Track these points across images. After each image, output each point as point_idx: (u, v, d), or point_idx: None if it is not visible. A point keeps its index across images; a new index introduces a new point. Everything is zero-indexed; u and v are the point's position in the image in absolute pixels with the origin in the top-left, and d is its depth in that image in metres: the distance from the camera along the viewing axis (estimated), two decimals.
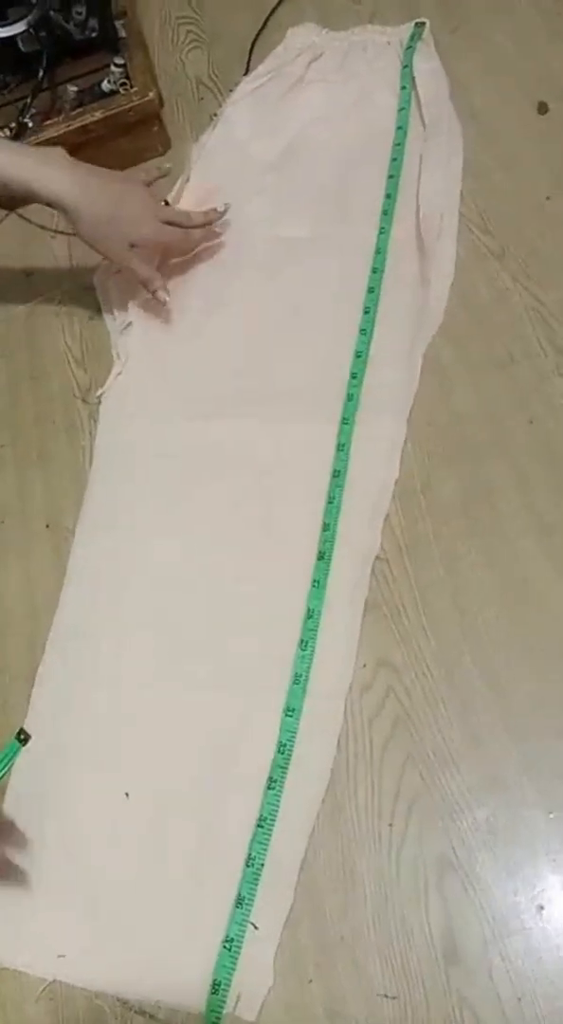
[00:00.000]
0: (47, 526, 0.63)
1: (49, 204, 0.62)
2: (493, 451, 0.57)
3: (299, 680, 0.52)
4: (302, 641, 0.54)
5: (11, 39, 0.75)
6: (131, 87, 0.76)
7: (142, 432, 0.66)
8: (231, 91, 0.81)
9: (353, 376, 0.62)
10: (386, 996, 0.43)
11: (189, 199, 0.75)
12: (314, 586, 0.55)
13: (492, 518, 0.55)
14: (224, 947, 0.46)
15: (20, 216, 0.80)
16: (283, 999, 0.45)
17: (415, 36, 0.77)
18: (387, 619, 0.53)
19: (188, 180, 0.77)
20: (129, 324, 0.71)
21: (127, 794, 0.52)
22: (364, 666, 0.52)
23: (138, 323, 0.71)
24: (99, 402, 0.68)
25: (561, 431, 0.56)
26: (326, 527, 0.57)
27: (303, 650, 0.53)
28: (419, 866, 0.46)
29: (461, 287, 0.64)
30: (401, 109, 0.74)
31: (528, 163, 0.68)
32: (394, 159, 0.72)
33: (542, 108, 0.70)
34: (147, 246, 0.66)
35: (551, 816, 0.45)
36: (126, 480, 0.64)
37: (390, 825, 0.47)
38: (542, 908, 0.44)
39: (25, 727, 0.46)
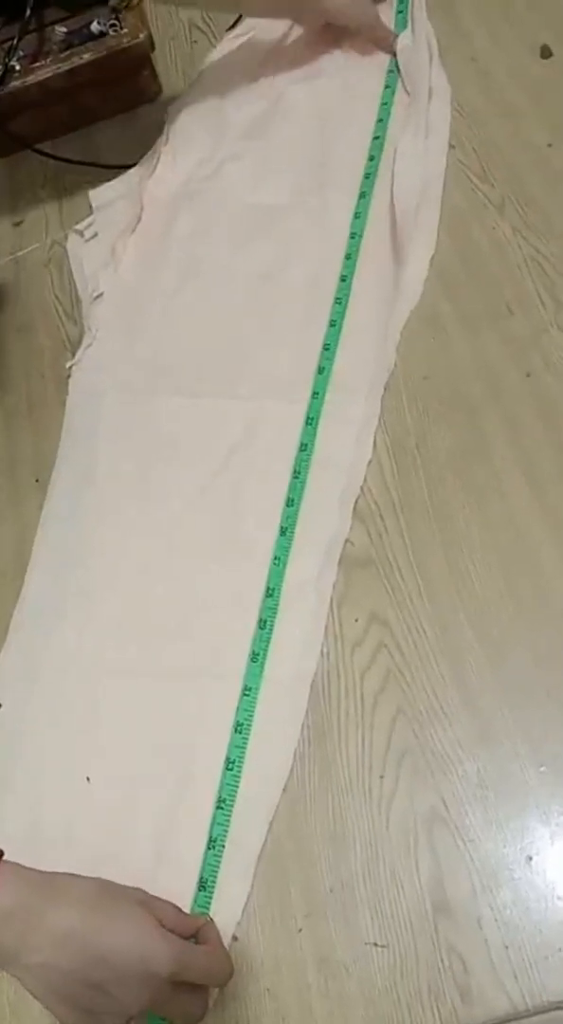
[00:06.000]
0: (37, 480, 0.62)
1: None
2: (489, 405, 0.56)
3: (256, 659, 0.51)
4: (261, 620, 0.52)
5: None
6: (121, 29, 0.74)
7: (111, 408, 0.63)
8: (217, 44, 0.79)
9: (326, 348, 0.60)
10: (375, 944, 0.44)
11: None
12: (274, 563, 0.54)
13: (487, 473, 0.54)
14: None
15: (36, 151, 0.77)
16: (271, 948, 0.45)
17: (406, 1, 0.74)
18: (380, 574, 0.52)
19: (167, 142, 0.74)
20: (100, 295, 0.68)
21: (88, 779, 0.50)
22: (356, 621, 0.52)
23: (109, 294, 0.68)
24: (69, 374, 0.66)
25: (559, 385, 0.55)
26: (290, 502, 0.55)
27: (261, 629, 0.52)
28: (409, 818, 0.46)
29: (459, 238, 0.63)
30: (390, 71, 0.72)
31: (530, 110, 0.66)
32: (380, 119, 0.69)
33: (545, 52, 0.68)
34: None
35: (542, 770, 0.45)
36: (93, 459, 0.62)
37: (381, 777, 0.47)
38: (530, 859, 0.44)
39: None
